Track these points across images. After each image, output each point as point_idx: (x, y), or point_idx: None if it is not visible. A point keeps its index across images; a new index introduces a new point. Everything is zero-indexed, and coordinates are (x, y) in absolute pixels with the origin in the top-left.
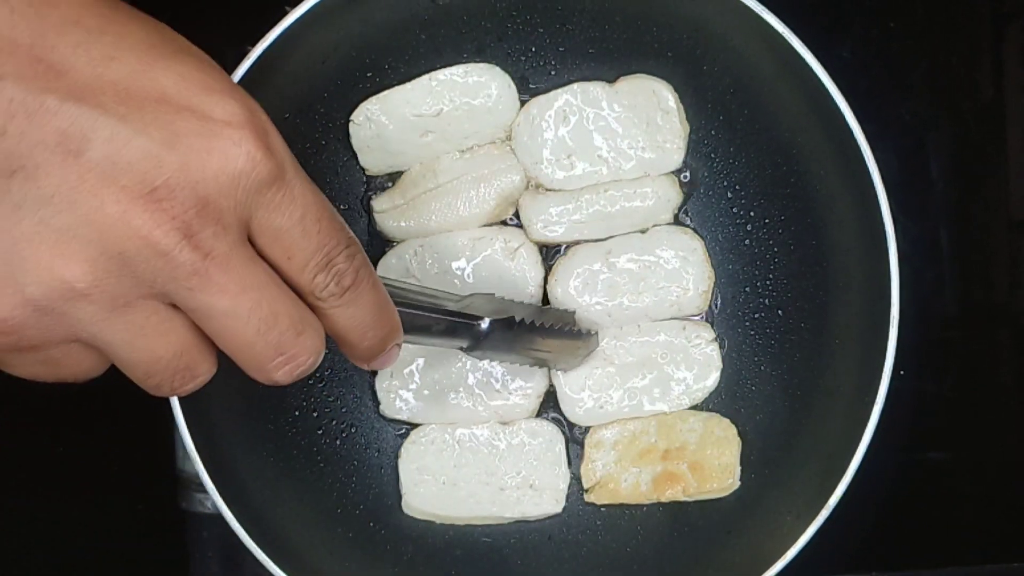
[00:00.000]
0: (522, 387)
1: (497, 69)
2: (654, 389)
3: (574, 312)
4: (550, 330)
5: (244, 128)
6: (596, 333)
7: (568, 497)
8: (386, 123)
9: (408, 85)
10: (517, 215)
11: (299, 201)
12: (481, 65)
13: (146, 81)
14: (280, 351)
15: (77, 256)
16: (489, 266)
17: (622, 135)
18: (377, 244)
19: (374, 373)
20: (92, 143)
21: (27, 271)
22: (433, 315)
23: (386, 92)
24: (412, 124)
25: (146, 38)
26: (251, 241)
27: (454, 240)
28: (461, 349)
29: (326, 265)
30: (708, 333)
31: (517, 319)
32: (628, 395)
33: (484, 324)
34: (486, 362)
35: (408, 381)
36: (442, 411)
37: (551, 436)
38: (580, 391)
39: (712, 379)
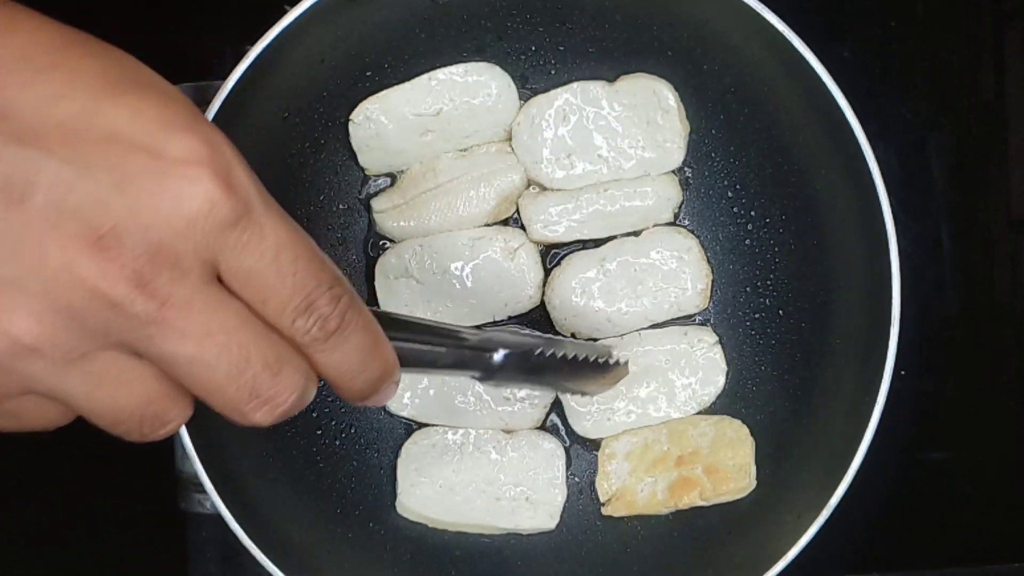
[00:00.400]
0: (530, 396)
1: (497, 68)
2: (659, 397)
3: (606, 347)
4: (572, 362)
5: (202, 166)
6: (626, 362)
7: (567, 506)
8: (385, 123)
9: (407, 84)
10: (518, 214)
11: (271, 240)
12: (481, 64)
13: (97, 119)
14: (255, 394)
15: (22, 310)
16: (488, 266)
17: (622, 134)
18: (377, 244)
19: None
20: (36, 188)
21: None
22: (440, 349)
23: (385, 92)
24: (412, 124)
25: (102, 72)
26: (224, 283)
27: (454, 240)
28: (475, 379)
29: (306, 309)
30: (710, 337)
31: (536, 352)
32: (634, 404)
33: (498, 356)
34: None
35: (416, 380)
36: (448, 412)
37: (552, 451)
38: (587, 404)
39: (718, 382)
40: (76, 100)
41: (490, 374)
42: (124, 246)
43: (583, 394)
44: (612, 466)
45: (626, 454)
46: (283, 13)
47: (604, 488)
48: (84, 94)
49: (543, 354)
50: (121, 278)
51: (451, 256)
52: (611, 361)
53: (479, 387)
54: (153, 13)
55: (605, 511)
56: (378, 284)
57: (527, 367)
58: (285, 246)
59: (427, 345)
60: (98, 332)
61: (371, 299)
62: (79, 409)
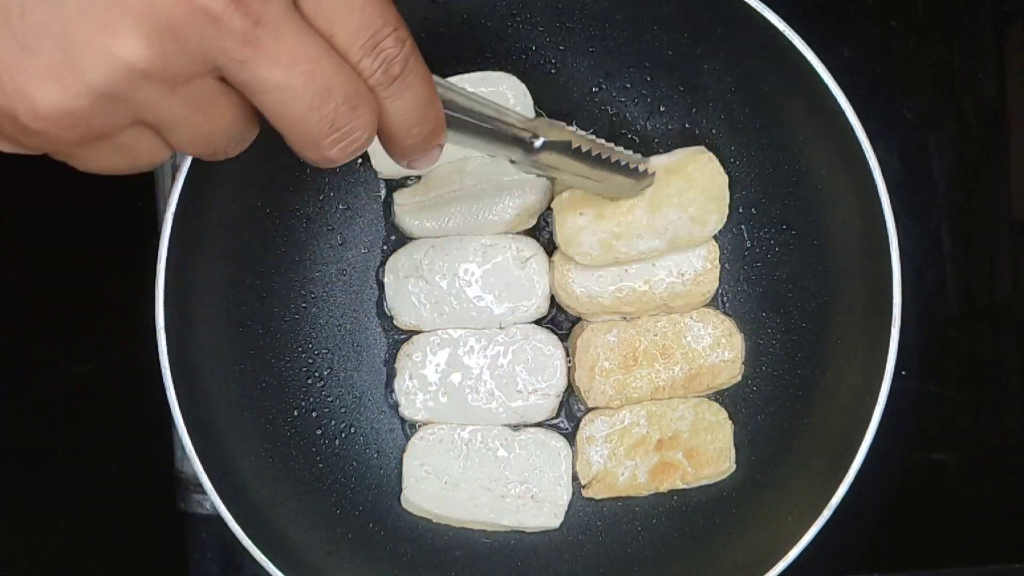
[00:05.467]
0: (541, 388)
1: (514, 79)
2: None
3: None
4: (606, 163)
5: None
6: (653, 173)
7: (568, 506)
8: None
9: None
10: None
11: None
12: (499, 74)
13: None
14: (335, 127)
15: (130, 33)
16: (498, 272)
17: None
18: (393, 238)
19: (391, 376)
20: None
21: (84, 56)
22: (487, 124)
23: None
24: None
25: None
26: (300, 10)
27: (468, 243)
28: (511, 161)
29: (373, 48)
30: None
31: (574, 146)
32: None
33: (538, 143)
34: (504, 362)
35: (427, 383)
36: (461, 412)
37: (558, 449)
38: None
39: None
40: None
41: (528, 155)
42: None
43: (610, 197)
44: (591, 449)
45: (605, 436)
46: None
47: (584, 470)
48: None
49: (579, 150)
50: None
51: (463, 258)
52: (641, 168)
53: (491, 383)
54: None
55: (586, 493)
56: (387, 281)
57: (563, 159)
58: None
59: (475, 118)
60: (198, 54)
61: (379, 295)
62: (178, 136)
